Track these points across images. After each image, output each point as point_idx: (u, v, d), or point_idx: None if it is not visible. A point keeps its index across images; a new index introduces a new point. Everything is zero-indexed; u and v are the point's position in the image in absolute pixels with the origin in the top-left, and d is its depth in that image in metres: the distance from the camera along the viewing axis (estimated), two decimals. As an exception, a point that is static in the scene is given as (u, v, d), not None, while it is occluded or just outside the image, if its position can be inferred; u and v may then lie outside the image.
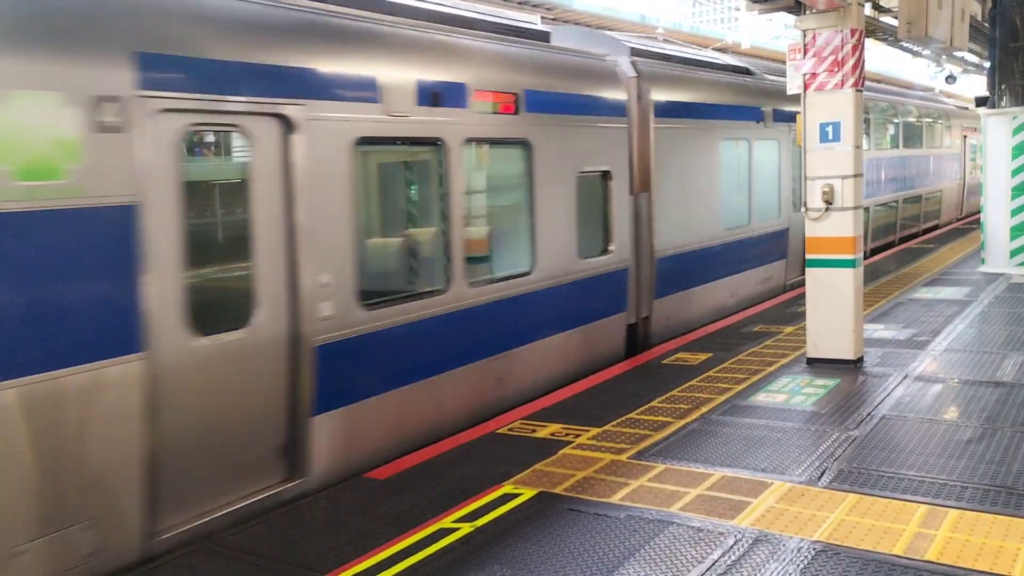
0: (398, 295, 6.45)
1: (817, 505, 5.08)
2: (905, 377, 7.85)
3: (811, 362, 8.44)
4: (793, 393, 7.49)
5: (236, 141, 5.49)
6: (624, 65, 9.57)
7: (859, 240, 8.34)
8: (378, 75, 6.11)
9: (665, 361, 8.85)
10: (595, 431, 6.65)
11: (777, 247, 12.99)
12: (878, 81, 29.45)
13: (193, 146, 5.41)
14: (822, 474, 5.57)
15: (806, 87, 8.32)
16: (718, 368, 8.45)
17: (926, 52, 16.64)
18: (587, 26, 20.79)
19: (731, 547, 4.58)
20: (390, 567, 4.52)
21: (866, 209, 13.23)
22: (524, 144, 7.69)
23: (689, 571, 4.34)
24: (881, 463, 5.72)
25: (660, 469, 5.78)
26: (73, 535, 4.31)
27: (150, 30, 4.72)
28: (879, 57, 27.34)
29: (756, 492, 5.31)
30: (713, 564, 4.40)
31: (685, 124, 10.25)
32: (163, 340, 4.71)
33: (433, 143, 6.69)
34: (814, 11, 8.22)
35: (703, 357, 8.92)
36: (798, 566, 4.34)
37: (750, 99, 12.20)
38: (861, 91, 8.31)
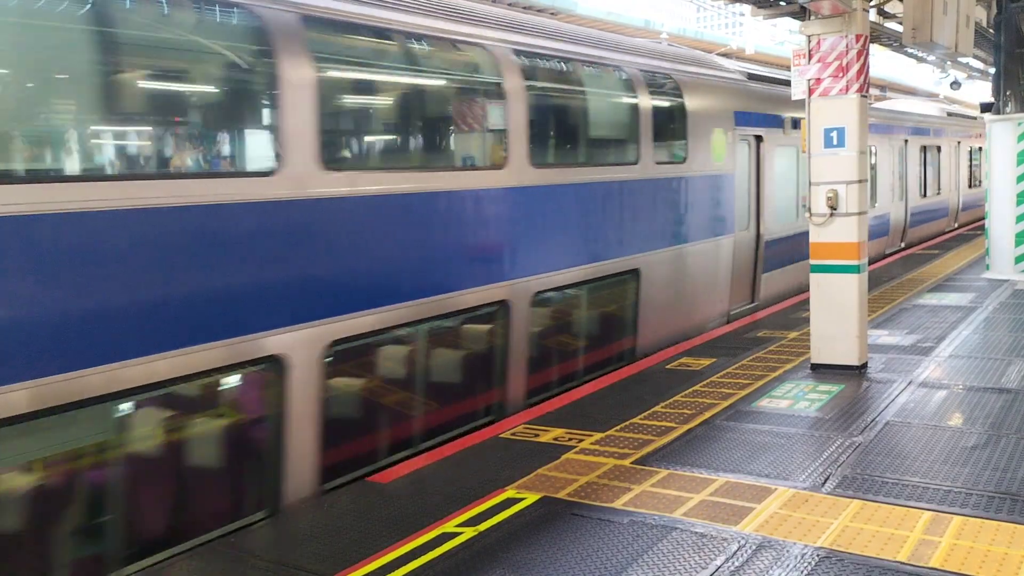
0: None
1: (821, 511, 5.07)
2: (909, 383, 7.83)
3: (815, 368, 8.42)
4: (797, 399, 7.47)
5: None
6: None
7: (863, 245, 8.33)
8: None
9: (669, 366, 8.83)
10: (598, 436, 6.64)
11: None
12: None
13: None
14: (826, 480, 5.56)
15: (810, 92, 8.32)
16: (722, 373, 8.43)
17: (931, 58, 16.61)
18: (590, 29, 20.80)
19: (734, 553, 4.57)
20: (392, 571, 4.52)
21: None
22: None
23: (692, 577, 4.33)
24: (885, 469, 5.71)
25: (663, 474, 5.77)
26: None
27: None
28: (884, 62, 27.34)
29: (759, 498, 5.30)
30: (717, 570, 4.39)
31: None
32: None
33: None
34: (819, 17, 8.22)
35: (707, 362, 8.91)
36: (802, 572, 4.33)
37: None
38: (866, 97, 8.31)
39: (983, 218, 24.74)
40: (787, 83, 14.57)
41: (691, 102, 10.39)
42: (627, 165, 9.29)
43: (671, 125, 10.27)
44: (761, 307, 12.32)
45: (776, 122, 12.80)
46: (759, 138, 12.16)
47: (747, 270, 12.13)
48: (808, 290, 13.51)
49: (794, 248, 13.16)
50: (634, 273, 9.38)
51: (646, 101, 9.49)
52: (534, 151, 7.80)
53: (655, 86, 9.87)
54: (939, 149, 22.11)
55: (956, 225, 24.05)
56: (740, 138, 11.63)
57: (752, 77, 12.75)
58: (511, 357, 7.65)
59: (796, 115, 13.18)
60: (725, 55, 22.65)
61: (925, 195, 21.05)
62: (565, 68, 8.73)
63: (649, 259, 9.60)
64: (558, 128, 8.80)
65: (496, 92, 7.49)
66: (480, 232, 7.25)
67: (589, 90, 9.12)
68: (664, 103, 10.09)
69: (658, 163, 9.68)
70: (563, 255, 8.21)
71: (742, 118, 11.67)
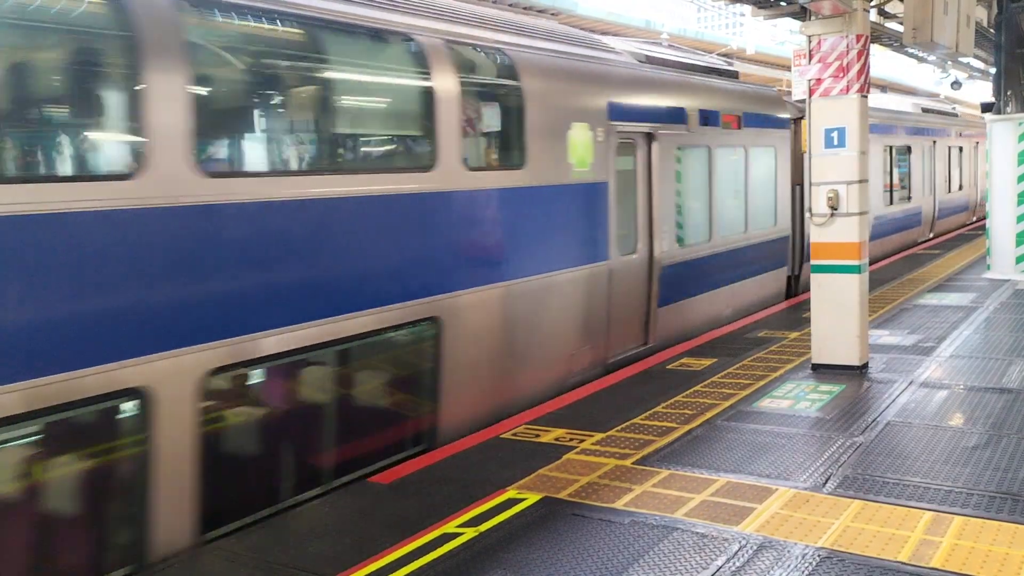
0: None
1: (822, 511, 5.07)
2: (910, 383, 7.83)
3: (816, 368, 8.42)
4: (798, 399, 7.47)
5: None
6: None
7: (864, 245, 8.34)
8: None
9: (670, 366, 8.83)
10: (599, 436, 6.64)
11: None
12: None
13: None
14: (827, 480, 5.56)
15: (811, 93, 8.32)
16: (723, 373, 8.43)
17: (931, 58, 16.61)
18: (591, 31, 20.81)
19: (735, 553, 4.57)
20: (393, 571, 4.52)
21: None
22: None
23: (693, 577, 4.33)
24: (886, 469, 5.70)
25: (664, 475, 5.77)
26: None
27: None
28: (885, 62, 27.33)
29: (761, 498, 5.30)
30: (718, 570, 4.39)
31: None
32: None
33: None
34: (819, 17, 8.22)
35: (707, 362, 8.91)
36: (803, 572, 4.33)
37: None
38: (867, 97, 8.31)
39: (965, 225, 24.19)
40: (701, 69, 11.30)
41: (532, 87, 7.70)
42: (412, 172, 6.63)
43: (499, 118, 7.63)
44: (659, 348, 9.64)
45: (675, 116, 9.92)
46: (650, 136, 9.50)
47: (636, 305, 9.33)
48: (729, 321, 11.02)
49: (706, 273, 10.72)
50: (431, 323, 6.69)
51: (450, 84, 6.83)
52: (208, 150, 5.36)
53: (470, 64, 7.32)
54: (909, 150, 19.54)
55: (931, 235, 21.45)
56: (620, 137, 8.95)
57: (651, 60, 10.24)
58: (157, 474, 4.82)
59: (708, 107, 10.59)
60: (725, 55, 22.63)
61: (891, 203, 18.39)
62: (291, 33, 5.99)
63: (458, 302, 6.88)
64: (268, 118, 6.02)
65: (125, 62, 4.82)
66: (87, 279, 4.54)
67: (338, 66, 6.54)
68: (486, 88, 7.57)
69: (473, 169, 7.12)
70: (280, 307, 5.49)
71: (622, 111, 8.93)
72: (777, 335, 10.17)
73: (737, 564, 4.45)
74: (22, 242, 4.25)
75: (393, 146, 7.01)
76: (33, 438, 4.53)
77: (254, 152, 5.91)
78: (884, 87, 33.46)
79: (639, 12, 23.29)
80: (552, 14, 18.55)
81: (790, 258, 13.18)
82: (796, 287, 13.36)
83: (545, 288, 7.90)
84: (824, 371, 8.33)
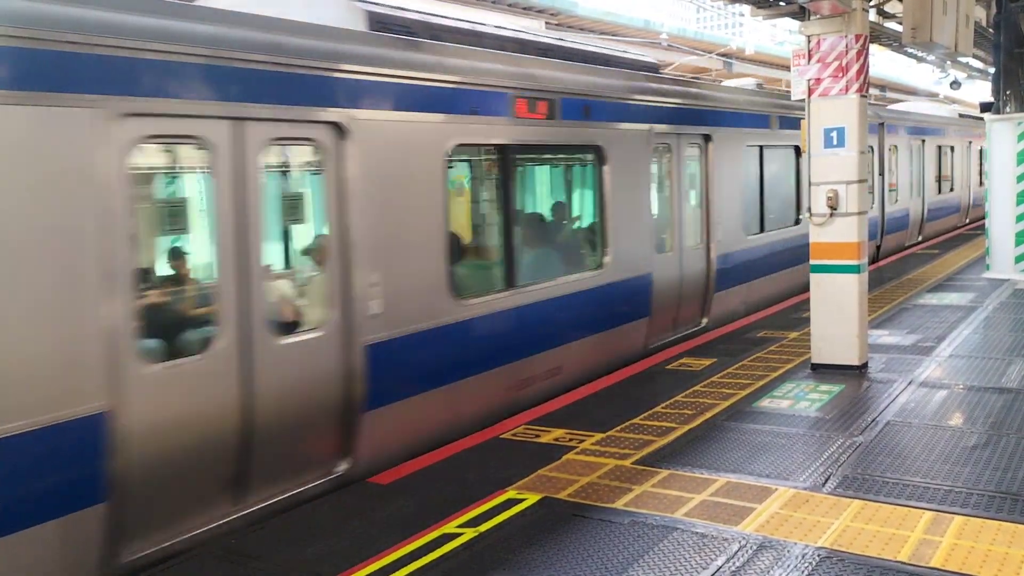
0: None
1: (822, 511, 5.07)
2: (910, 383, 7.83)
3: (815, 368, 8.43)
4: (797, 399, 7.47)
5: None
6: None
7: (863, 245, 8.34)
8: None
9: (669, 366, 8.83)
10: (599, 436, 6.64)
11: None
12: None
13: None
14: (826, 480, 5.56)
15: (810, 93, 8.32)
16: (722, 373, 8.43)
17: (930, 57, 16.61)
18: (590, 31, 20.80)
19: (735, 553, 4.57)
20: (392, 572, 4.52)
21: None
22: None
23: (693, 577, 4.33)
24: (886, 469, 5.71)
25: (664, 475, 5.77)
26: None
27: None
28: (884, 62, 27.33)
29: (760, 498, 5.30)
30: (717, 570, 4.39)
31: None
32: None
33: None
34: (818, 17, 8.22)
35: (707, 362, 8.91)
36: (802, 572, 4.33)
37: None
38: (866, 96, 8.32)
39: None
40: None
41: None
42: None
43: None
44: None
45: None
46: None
47: None
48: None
49: None
50: None
51: None
52: None
53: None
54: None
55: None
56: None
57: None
58: None
59: None
60: (725, 55, 22.63)
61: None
62: None
63: None
64: None
65: None
66: None
67: None
68: None
69: None
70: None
71: None
72: (776, 335, 10.17)
73: (737, 564, 4.45)
74: None
75: None
76: None
77: None
78: (883, 87, 33.48)
79: (638, 12, 23.29)
80: (551, 14, 18.56)
81: None
82: None
83: None
84: (824, 371, 8.33)
